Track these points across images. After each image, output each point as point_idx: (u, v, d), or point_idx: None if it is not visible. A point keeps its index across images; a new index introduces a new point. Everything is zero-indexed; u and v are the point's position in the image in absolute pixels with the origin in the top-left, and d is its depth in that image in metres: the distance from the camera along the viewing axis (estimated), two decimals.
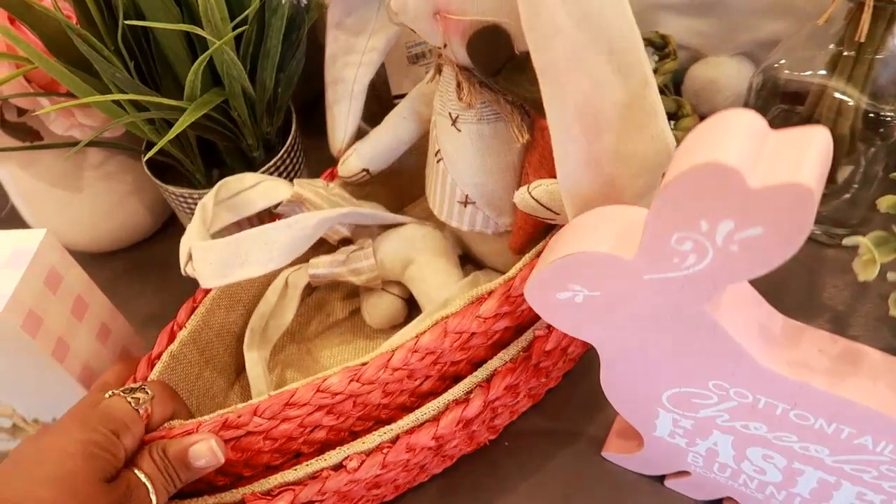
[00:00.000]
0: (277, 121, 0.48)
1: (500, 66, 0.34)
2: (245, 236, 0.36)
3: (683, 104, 0.47)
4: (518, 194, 0.34)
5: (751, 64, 0.56)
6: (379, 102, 0.54)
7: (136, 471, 0.32)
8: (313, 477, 0.35)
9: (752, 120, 0.23)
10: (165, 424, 0.35)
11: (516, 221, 0.40)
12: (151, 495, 0.32)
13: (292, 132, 0.49)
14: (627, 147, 0.30)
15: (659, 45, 0.51)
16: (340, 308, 0.50)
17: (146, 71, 0.43)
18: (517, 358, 0.37)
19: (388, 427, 0.35)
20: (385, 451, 0.35)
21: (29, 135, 0.46)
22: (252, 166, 0.48)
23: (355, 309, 0.50)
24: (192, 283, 0.54)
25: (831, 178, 0.50)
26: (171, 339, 0.40)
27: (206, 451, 0.34)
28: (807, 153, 0.21)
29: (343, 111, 0.47)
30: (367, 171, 0.47)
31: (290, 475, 0.35)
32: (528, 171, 0.38)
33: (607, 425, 0.44)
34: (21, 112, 0.46)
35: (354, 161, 0.46)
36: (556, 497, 0.42)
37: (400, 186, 0.50)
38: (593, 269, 0.28)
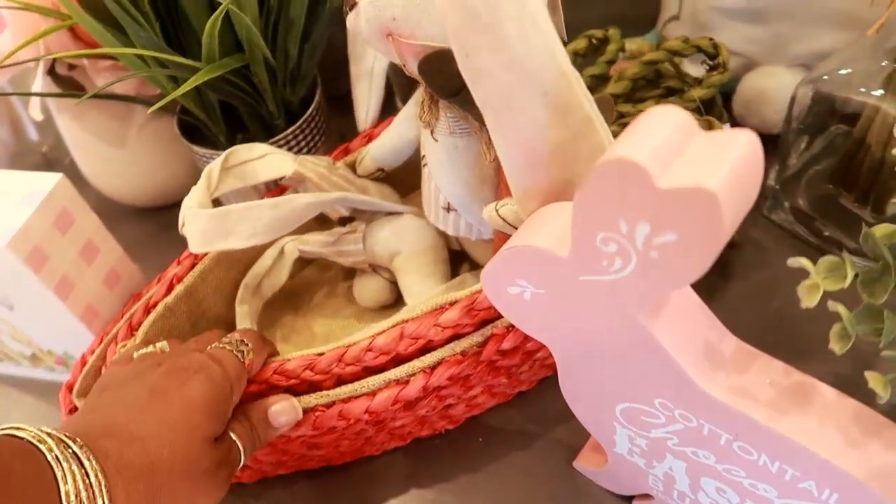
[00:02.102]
0: (301, 90, 0.49)
1: (456, 89, 0.33)
2: (233, 210, 0.38)
3: (714, 125, 0.44)
4: (486, 210, 0.33)
5: None
6: (409, 82, 0.54)
7: (230, 433, 0.33)
8: None
9: (680, 119, 0.21)
10: None
11: (496, 232, 0.39)
12: (242, 455, 0.33)
13: (314, 102, 0.50)
14: (578, 178, 0.29)
15: (710, 54, 0.48)
16: (340, 280, 0.51)
17: (173, 34, 0.45)
18: (468, 352, 0.37)
19: (325, 392, 0.36)
20: (318, 414, 0.36)
21: (76, 88, 0.50)
22: (272, 133, 0.49)
23: (351, 282, 0.50)
24: None
25: (878, 209, 0.45)
26: (169, 290, 0.42)
27: (287, 408, 0.35)
28: (725, 157, 0.20)
29: (364, 90, 0.47)
30: (381, 169, 0.47)
31: None
32: (501, 186, 0.37)
33: (585, 436, 0.42)
34: (71, 67, 0.50)
35: (368, 162, 0.47)
36: (521, 499, 0.41)
37: (412, 173, 0.50)
38: (535, 264, 0.27)
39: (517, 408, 0.45)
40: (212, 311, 0.45)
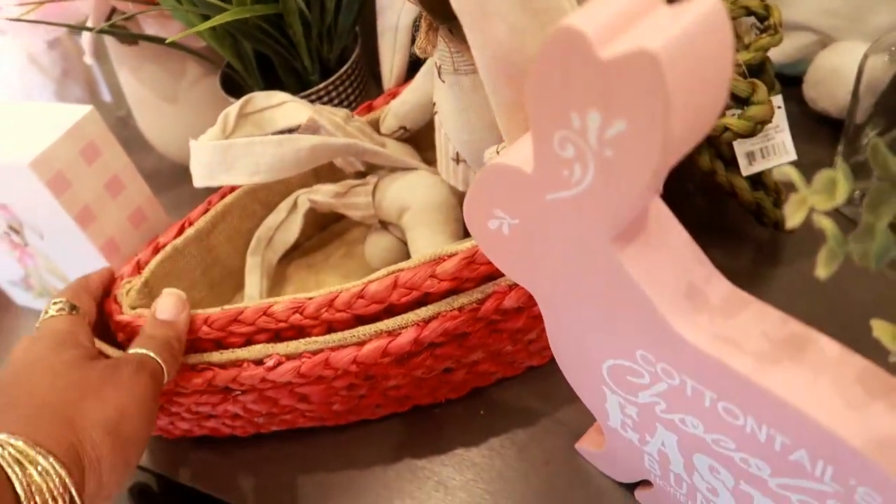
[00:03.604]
0: (337, 47, 0.49)
1: (452, 13, 0.31)
2: (235, 143, 0.37)
3: (758, 89, 0.40)
4: (488, 153, 0.31)
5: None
6: None
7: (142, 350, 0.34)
8: (235, 364, 0.35)
9: None
10: (135, 311, 0.38)
11: None
12: (157, 358, 0.34)
13: (351, 59, 0.49)
14: None
15: (761, 16, 0.43)
16: (358, 239, 0.50)
17: None
18: (465, 307, 0.34)
19: (314, 339, 0.34)
20: (304, 359, 0.34)
21: (129, 37, 0.52)
22: (306, 89, 0.49)
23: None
24: None
25: None
26: (179, 233, 0.42)
27: (166, 296, 0.36)
28: (677, 22, 0.17)
29: (389, 44, 0.46)
30: (404, 128, 0.46)
31: (214, 356, 0.35)
32: None
33: (591, 420, 0.39)
34: (127, 18, 0.52)
35: (391, 120, 0.46)
36: (515, 478, 0.38)
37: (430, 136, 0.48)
38: (506, 187, 0.25)
39: (526, 384, 0.42)
40: (224, 260, 0.45)
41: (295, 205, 0.44)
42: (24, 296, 0.55)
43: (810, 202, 0.19)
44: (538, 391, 0.41)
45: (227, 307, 0.35)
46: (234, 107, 0.40)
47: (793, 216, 0.19)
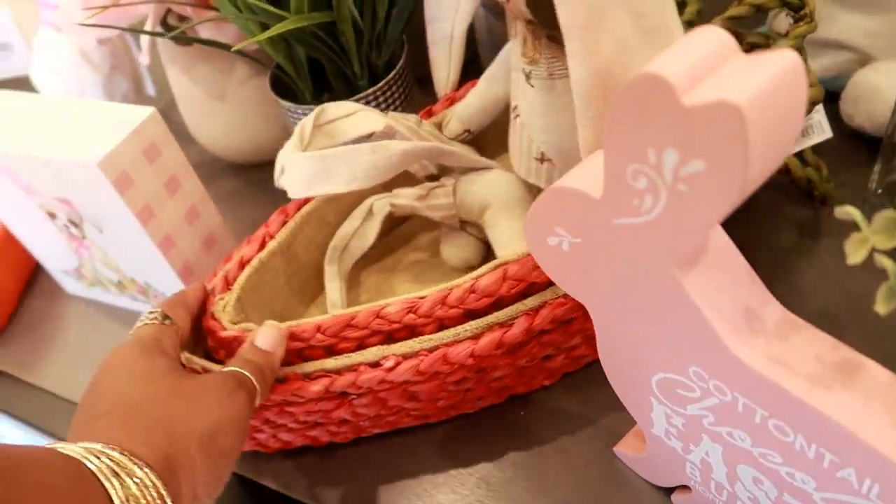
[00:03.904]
0: (386, 54, 0.50)
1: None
2: (332, 153, 0.39)
3: (808, 72, 0.42)
4: (583, 151, 0.33)
5: None
6: (493, 54, 0.54)
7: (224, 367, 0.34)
8: (351, 369, 0.36)
9: (719, 38, 0.20)
10: (240, 326, 0.39)
11: None
12: (254, 381, 0.33)
13: (398, 66, 0.50)
14: None
15: (795, 6, 0.45)
16: (425, 244, 0.51)
17: None
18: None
19: (429, 336, 0.36)
20: (422, 357, 0.36)
21: (185, 40, 0.53)
22: (355, 93, 0.50)
23: (436, 246, 0.50)
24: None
25: None
26: (262, 247, 0.44)
27: (266, 329, 0.36)
28: (759, 74, 0.18)
29: (444, 54, 0.47)
30: (468, 131, 0.48)
31: (329, 363, 0.37)
32: None
33: (630, 425, 0.40)
34: (182, 19, 0.53)
35: (455, 124, 0.48)
36: (554, 479, 0.40)
37: (493, 136, 0.50)
38: (571, 209, 0.26)
39: (564, 387, 0.43)
40: (303, 269, 0.47)
41: (370, 211, 0.46)
42: (76, 285, 0.57)
43: (872, 242, 0.20)
44: (576, 394, 0.43)
45: (336, 313, 0.37)
46: (309, 118, 0.42)
47: (854, 254, 0.20)
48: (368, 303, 0.47)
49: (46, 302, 0.60)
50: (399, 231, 0.52)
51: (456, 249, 0.46)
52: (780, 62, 0.18)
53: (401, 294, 0.47)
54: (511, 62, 0.39)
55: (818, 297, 0.44)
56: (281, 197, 0.63)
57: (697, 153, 0.19)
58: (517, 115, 0.40)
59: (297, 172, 0.38)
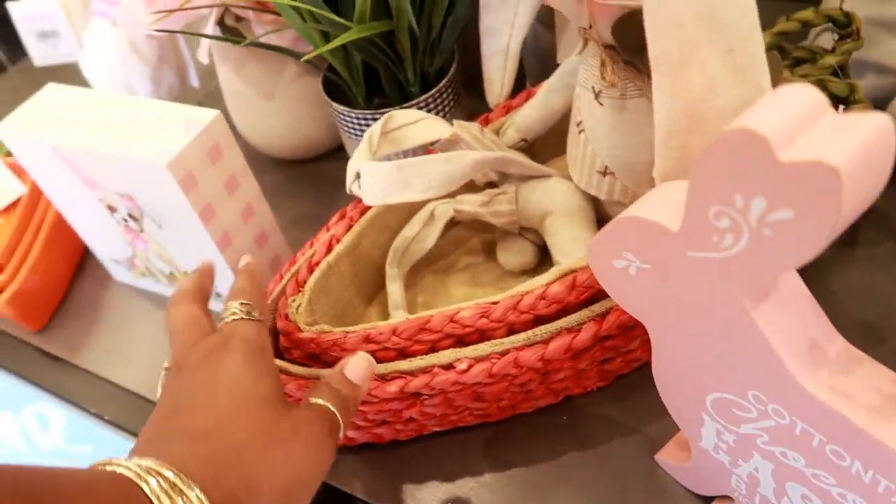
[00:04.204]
0: (438, 62, 0.51)
1: (640, 47, 0.34)
2: (408, 163, 0.40)
3: (857, 88, 0.43)
4: (655, 168, 0.34)
5: None
6: (542, 63, 0.55)
7: (311, 398, 0.32)
8: (424, 371, 0.38)
9: (811, 95, 0.21)
10: (316, 328, 0.40)
11: None
12: (338, 416, 0.32)
13: (449, 74, 0.52)
14: None
15: (842, 24, 0.46)
16: (478, 246, 0.53)
17: None
18: None
19: (500, 340, 0.38)
20: (493, 361, 0.37)
21: (250, 44, 0.55)
22: (407, 99, 0.51)
23: (490, 249, 0.52)
24: (338, 200, 0.60)
25: None
26: (329, 250, 0.46)
27: (358, 360, 0.35)
28: (854, 136, 0.20)
29: (499, 67, 0.49)
30: (525, 140, 0.49)
31: (403, 365, 0.38)
32: None
33: (672, 431, 0.42)
34: (238, 20, 0.54)
35: (512, 133, 0.49)
36: (595, 483, 0.41)
37: (545, 142, 0.51)
38: (644, 237, 0.28)
39: (606, 393, 0.45)
40: (365, 271, 0.49)
41: (432, 216, 0.47)
42: (126, 274, 0.59)
43: None
44: (619, 401, 0.44)
45: (410, 317, 0.39)
46: (377, 126, 0.43)
47: None
48: (425, 303, 0.49)
49: (95, 287, 0.62)
50: (451, 234, 0.53)
51: (514, 255, 0.48)
52: (874, 124, 0.20)
53: (456, 295, 0.49)
54: (578, 79, 0.41)
55: (856, 309, 0.45)
56: (322, 193, 0.65)
57: (787, 203, 0.21)
58: (581, 130, 0.41)
59: (373, 181, 0.39)
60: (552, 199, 0.45)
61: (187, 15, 0.53)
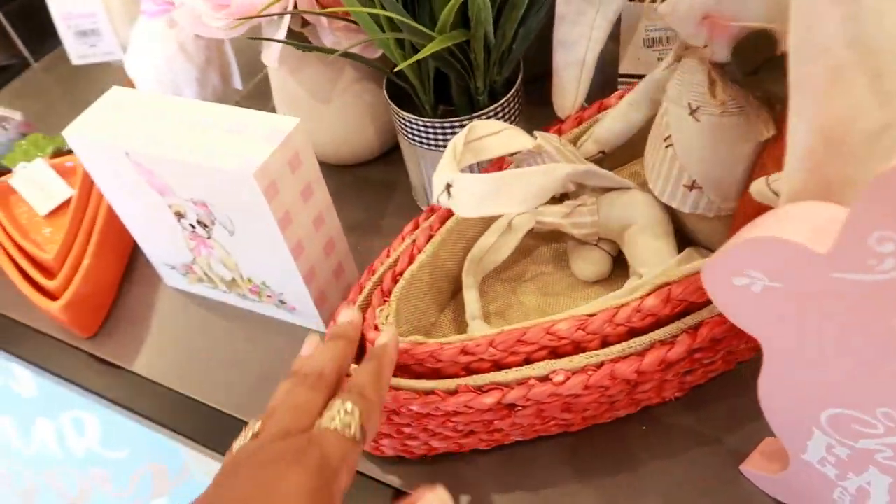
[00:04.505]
0: (506, 71, 0.51)
1: (756, 67, 0.35)
2: (506, 175, 0.41)
3: None
4: (756, 185, 0.35)
5: None
6: (602, 75, 0.55)
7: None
8: (520, 383, 0.38)
9: None
10: (410, 338, 0.40)
11: (740, 206, 0.41)
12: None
13: (517, 84, 0.52)
14: (863, 176, 0.29)
15: None
16: (546, 256, 0.53)
17: (410, 4, 0.48)
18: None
19: (594, 352, 0.38)
20: (590, 372, 0.38)
21: (326, 51, 0.54)
22: (475, 108, 0.52)
23: (558, 259, 0.53)
24: (387, 206, 0.60)
25: None
26: (412, 260, 0.46)
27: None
28: None
29: (573, 78, 0.49)
30: (603, 152, 0.50)
31: (500, 376, 0.38)
32: (768, 162, 0.38)
33: (752, 440, 0.43)
34: (304, 24, 0.54)
35: (590, 146, 0.50)
36: (678, 495, 0.42)
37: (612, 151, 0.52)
38: (780, 257, 0.28)
39: (683, 402, 0.46)
40: (442, 280, 0.49)
41: (510, 226, 0.48)
42: (180, 279, 0.58)
43: None
44: (695, 410, 0.45)
45: (506, 328, 0.39)
46: (461, 136, 0.43)
47: None
48: (497, 312, 0.49)
49: (145, 292, 0.61)
50: (520, 244, 0.53)
51: (590, 264, 0.49)
52: None
53: (528, 304, 0.50)
54: (668, 95, 0.41)
55: None
56: (372, 200, 0.64)
57: None
58: (669, 145, 0.42)
59: (468, 193, 0.40)
60: (634, 211, 0.45)
61: (253, 20, 0.53)
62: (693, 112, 0.39)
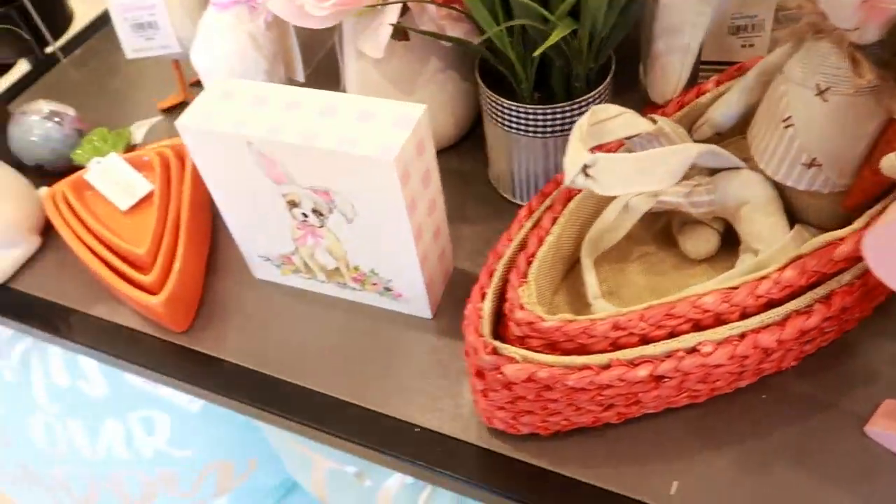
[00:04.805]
0: (601, 59, 0.53)
1: None
2: (649, 155, 0.42)
3: None
4: (888, 159, 0.37)
5: None
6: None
7: None
8: (668, 355, 0.40)
9: None
10: (559, 317, 0.41)
11: (858, 183, 0.43)
12: None
13: (612, 71, 0.54)
14: None
15: None
16: (647, 237, 0.55)
17: None
18: (854, 283, 0.41)
19: (735, 324, 0.40)
20: (735, 343, 0.40)
21: (400, 33, 0.55)
22: (571, 95, 0.53)
23: (659, 238, 0.54)
24: (464, 192, 0.63)
25: None
26: (540, 243, 0.47)
27: None
28: None
29: (676, 64, 0.51)
30: (718, 134, 0.52)
31: (649, 350, 0.40)
32: (886, 139, 0.40)
33: (868, 404, 0.45)
34: (403, 13, 0.55)
35: (707, 129, 0.52)
36: (813, 457, 0.44)
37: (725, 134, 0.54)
38: None
39: (798, 369, 0.48)
40: (563, 259, 0.50)
41: (626, 207, 0.49)
42: (271, 271, 0.58)
43: None
44: (811, 377, 0.47)
45: (653, 302, 0.40)
46: (584, 119, 0.44)
47: None
48: (609, 292, 0.51)
49: (230, 285, 0.60)
50: None
51: (703, 243, 0.51)
52: None
53: (639, 283, 0.51)
54: (790, 76, 0.43)
55: None
56: (449, 186, 0.65)
57: None
58: (789, 125, 0.44)
59: (611, 172, 0.41)
60: (748, 191, 0.47)
61: (348, 9, 0.53)
62: (822, 92, 0.41)
